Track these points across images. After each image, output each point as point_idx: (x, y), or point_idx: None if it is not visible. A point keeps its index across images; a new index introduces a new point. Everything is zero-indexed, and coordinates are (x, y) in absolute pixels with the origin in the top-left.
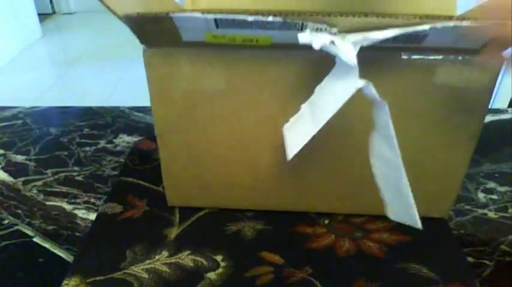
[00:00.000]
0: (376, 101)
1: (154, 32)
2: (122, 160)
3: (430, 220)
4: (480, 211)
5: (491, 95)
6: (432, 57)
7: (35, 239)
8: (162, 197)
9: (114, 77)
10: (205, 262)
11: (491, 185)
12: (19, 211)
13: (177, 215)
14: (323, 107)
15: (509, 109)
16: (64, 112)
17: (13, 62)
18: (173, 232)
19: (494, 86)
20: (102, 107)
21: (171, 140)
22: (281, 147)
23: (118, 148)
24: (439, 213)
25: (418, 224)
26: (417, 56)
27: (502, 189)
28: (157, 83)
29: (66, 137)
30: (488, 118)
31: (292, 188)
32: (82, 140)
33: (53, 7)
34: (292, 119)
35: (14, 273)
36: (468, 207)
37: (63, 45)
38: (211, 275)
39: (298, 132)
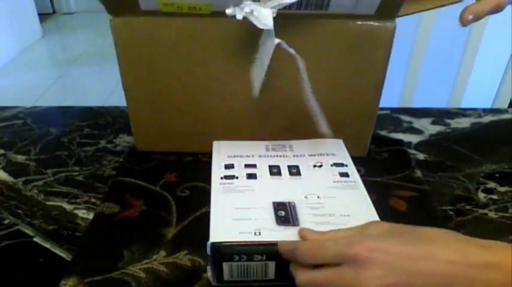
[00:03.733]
0: (292, 54)
1: (119, 2)
2: (122, 159)
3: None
4: (480, 211)
5: (390, 49)
6: (337, 20)
7: (35, 239)
8: (160, 196)
9: (114, 77)
10: (202, 262)
11: (491, 185)
12: (19, 211)
13: (175, 215)
14: (263, 58)
15: (509, 109)
16: (64, 112)
17: (13, 62)
18: (170, 232)
19: (391, 44)
20: (102, 107)
21: (136, 94)
22: (229, 99)
23: (118, 148)
24: (358, 152)
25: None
26: (324, 20)
27: (502, 189)
28: (122, 46)
29: (67, 137)
30: (488, 118)
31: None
32: (82, 140)
33: (53, 7)
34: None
35: (14, 273)
36: (468, 207)
37: (63, 45)
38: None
39: (256, 76)
